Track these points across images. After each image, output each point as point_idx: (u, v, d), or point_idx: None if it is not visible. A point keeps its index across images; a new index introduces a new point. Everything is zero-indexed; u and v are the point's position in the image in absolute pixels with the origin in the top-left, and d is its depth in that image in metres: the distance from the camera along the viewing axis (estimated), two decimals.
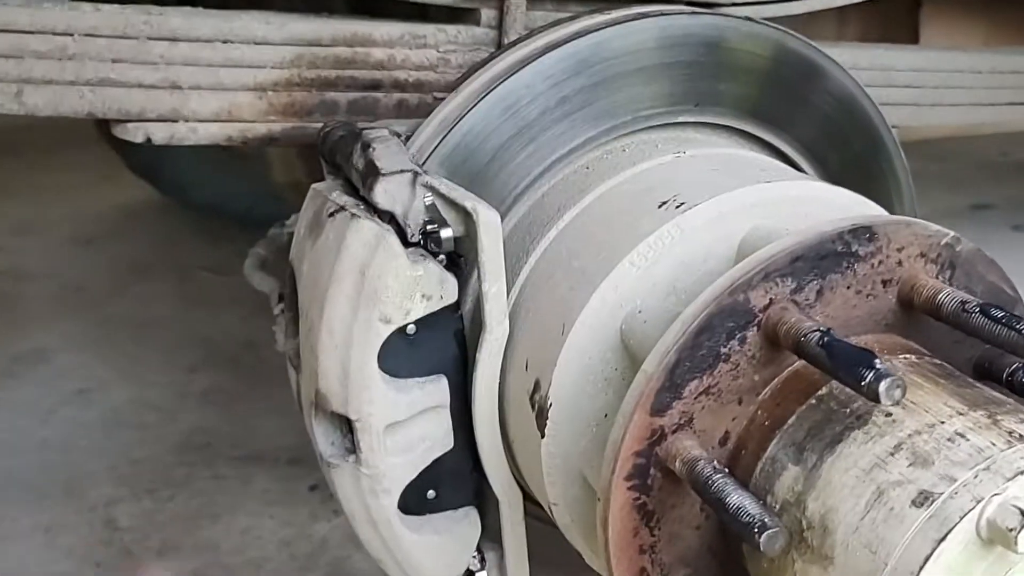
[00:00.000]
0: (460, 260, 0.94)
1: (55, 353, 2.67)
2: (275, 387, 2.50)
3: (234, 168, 3.48)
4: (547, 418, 0.89)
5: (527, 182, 1.02)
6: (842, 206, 0.90)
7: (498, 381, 0.97)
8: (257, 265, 1.59)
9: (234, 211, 3.52)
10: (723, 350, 0.77)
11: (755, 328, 0.78)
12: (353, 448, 0.99)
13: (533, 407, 0.92)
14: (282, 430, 2.31)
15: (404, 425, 0.97)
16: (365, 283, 0.91)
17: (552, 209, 0.99)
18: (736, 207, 0.88)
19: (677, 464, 0.77)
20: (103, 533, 1.94)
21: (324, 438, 1.01)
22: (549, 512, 1.04)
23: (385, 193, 0.91)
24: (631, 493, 0.79)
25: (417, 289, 0.92)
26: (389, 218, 0.93)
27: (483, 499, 1.06)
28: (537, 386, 0.91)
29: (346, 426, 1.01)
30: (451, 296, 0.95)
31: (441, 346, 0.98)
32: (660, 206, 0.90)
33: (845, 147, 1.17)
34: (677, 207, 0.88)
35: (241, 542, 1.97)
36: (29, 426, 2.32)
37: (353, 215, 0.93)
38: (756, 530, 0.69)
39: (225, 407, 2.41)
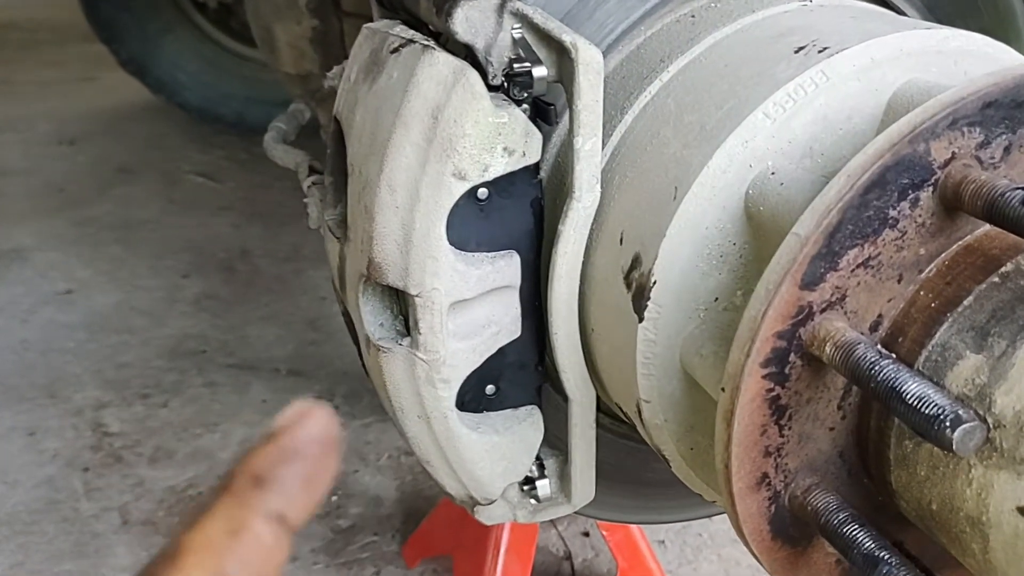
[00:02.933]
0: (550, 110, 0.79)
1: (34, 253, 2.49)
2: (272, 296, 2.35)
3: (228, 68, 3.27)
4: (648, 298, 0.76)
5: (620, 31, 0.87)
6: (1007, 66, 0.76)
7: (582, 259, 0.83)
8: (278, 140, 1.43)
9: (225, 115, 3.32)
10: (891, 213, 0.64)
11: (930, 188, 0.64)
12: (407, 330, 0.85)
13: (629, 287, 0.78)
14: (280, 340, 2.16)
15: (470, 305, 0.83)
16: (438, 129, 0.76)
17: (652, 61, 0.84)
18: (890, 54, 0.74)
19: (827, 349, 0.64)
20: (91, 438, 1.80)
21: (372, 318, 0.86)
22: (623, 415, 0.91)
23: (466, 21, 0.76)
24: (765, 383, 0.66)
25: (499, 140, 0.77)
26: (466, 54, 0.78)
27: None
28: (636, 262, 0.77)
29: (398, 305, 0.87)
30: (534, 154, 0.80)
31: (516, 216, 0.83)
32: (798, 51, 0.75)
33: (973, 17, 1.02)
34: (820, 51, 0.74)
35: (239, 452, 1.83)
36: (8, 326, 2.16)
37: (425, 47, 0.77)
38: (947, 425, 0.56)
39: (218, 314, 2.25)
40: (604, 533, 1.60)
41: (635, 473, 1.05)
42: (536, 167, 0.83)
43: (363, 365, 0.98)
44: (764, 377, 0.66)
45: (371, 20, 0.94)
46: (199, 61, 3.24)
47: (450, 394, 0.85)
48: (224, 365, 2.06)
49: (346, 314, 0.99)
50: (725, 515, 0.75)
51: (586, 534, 1.77)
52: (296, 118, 1.48)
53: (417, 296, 0.81)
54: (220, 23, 3.28)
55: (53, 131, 3.34)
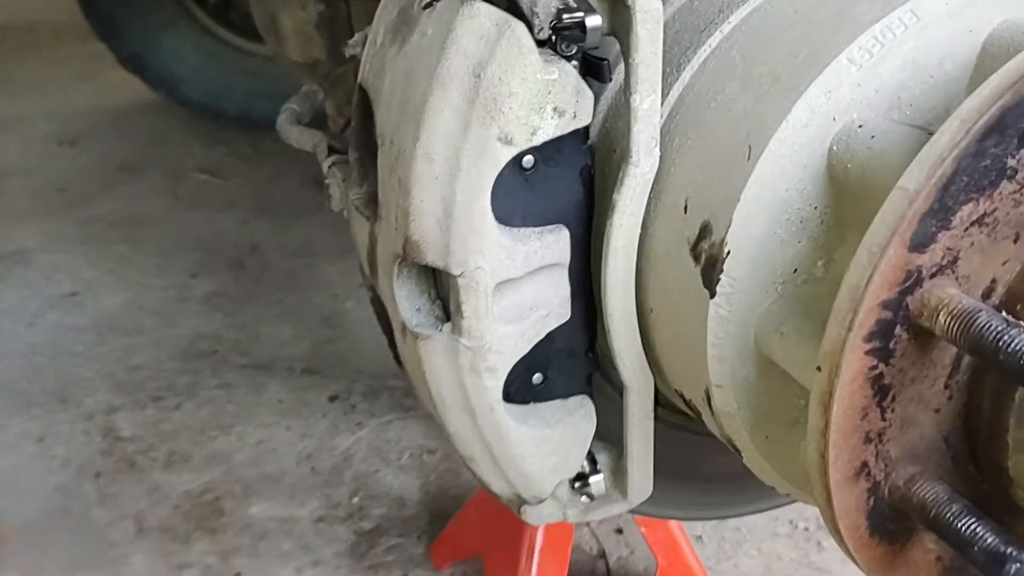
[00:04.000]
0: (603, 65, 0.71)
1: (38, 254, 2.42)
2: (284, 292, 2.27)
3: (230, 62, 3.20)
4: (721, 271, 0.68)
5: None
6: None
7: (639, 231, 0.75)
8: (292, 121, 1.35)
9: (229, 110, 3.24)
10: (1010, 162, 0.56)
11: None
12: (447, 315, 0.78)
13: (697, 259, 0.70)
14: (295, 338, 2.09)
15: (517, 285, 0.75)
16: (480, 89, 0.68)
17: (709, 12, 0.76)
18: None
19: (941, 319, 0.56)
20: (102, 443, 1.73)
21: (408, 303, 0.79)
22: (684, 404, 0.83)
23: None
24: (867, 360, 0.58)
25: (549, 100, 0.69)
26: (508, 4, 0.70)
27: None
28: (705, 231, 0.69)
29: (437, 288, 0.79)
30: (585, 116, 0.72)
31: (564, 186, 0.76)
32: None
33: None
34: None
35: (256, 454, 1.76)
36: (14, 330, 2.08)
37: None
38: None
39: (230, 313, 2.18)
40: (642, 530, 1.52)
41: (692, 466, 0.98)
42: (586, 131, 0.75)
43: (395, 357, 0.91)
44: (867, 353, 0.58)
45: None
46: (200, 56, 3.16)
47: (496, 384, 0.78)
48: (238, 365, 1.98)
49: (376, 301, 0.91)
50: None
51: (619, 531, 1.69)
52: (310, 99, 1.41)
53: (460, 276, 0.73)
54: (220, 17, 3.19)
55: (53, 131, 3.27)
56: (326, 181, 0.99)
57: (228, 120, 3.26)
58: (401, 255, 0.76)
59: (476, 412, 0.79)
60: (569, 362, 0.83)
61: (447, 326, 0.77)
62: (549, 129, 0.71)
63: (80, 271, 2.34)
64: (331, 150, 1.07)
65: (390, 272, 0.79)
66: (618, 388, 0.84)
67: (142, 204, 2.72)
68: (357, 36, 1.02)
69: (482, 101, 0.69)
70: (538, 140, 0.71)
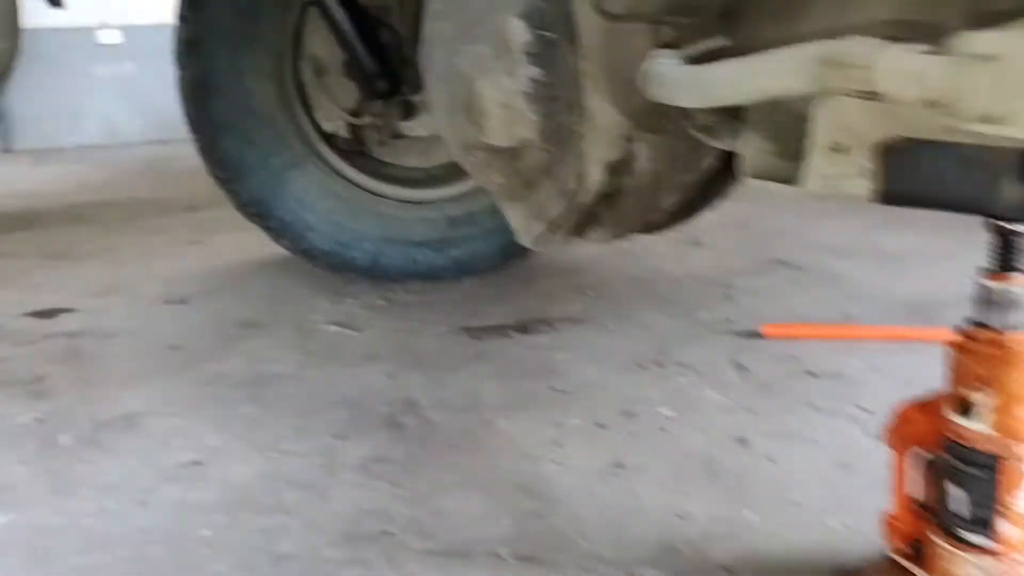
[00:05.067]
0: None
1: (149, 418, 1.96)
2: (460, 455, 1.76)
3: (361, 206, 2.85)
4: None
5: None
6: None
7: None
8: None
9: (357, 259, 2.87)
10: None
11: None
12: None
13: None
14: (490, 513, 1.55)
15: None
16: None
17: None
18: None
19: None
20: None
21: None
22: None
23: None
24: None
25: None
26: None
27: None
28: None
29: None
30: None
31: None
32: None
33: None
34: None
35: None
36: (122, 511, 1.59)
37: None
38: None
39: (397, 483, 1.66)
40: None
41: None
42: None
43: None
44: None
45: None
46: (329, 199, 2.83)
47: None
48: (422, 551, 1.44)
49: None
50: None
51: None
52: None
53: None
54: (351, 156, 2.89)
55: (161, 292, 2.92)
56: None
57: (356, 271, 2.89)
58: None
59: None
60: None
61: None
62: None
63: (201, 436, 1.87)
64: None
65: None
66: None
67: (268, 361, 2.29)
68: None
69: None
70: None
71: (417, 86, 2.45)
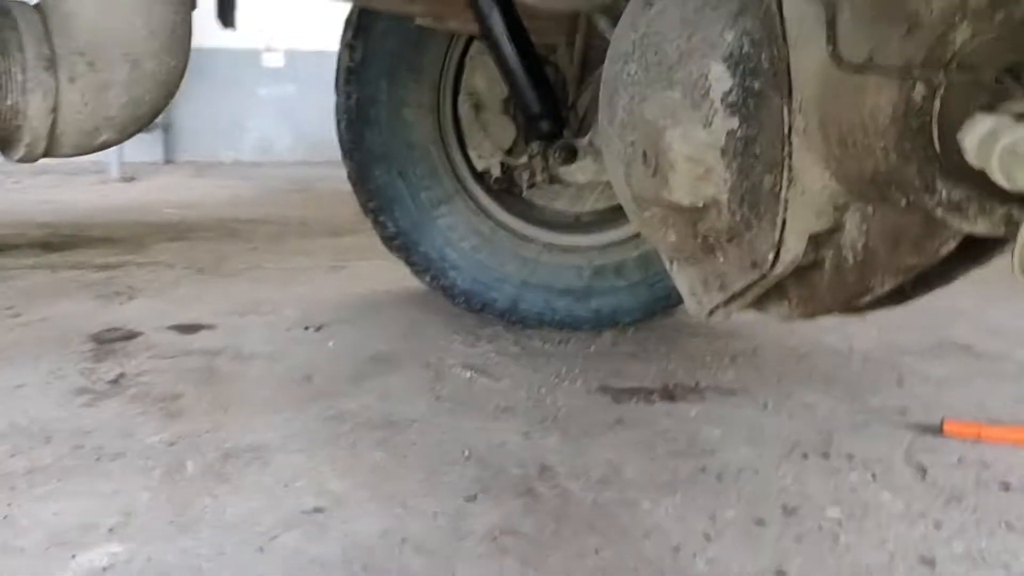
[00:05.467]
0: None
1: (277, 453, 1.89)
2: (598, 536, 1.59)
3: (506, 247, 2.74)
4: None
5: None
6: None
7: None
8: None
9: (497, 301, 2.76)
10: None
11: None
12: None
13: None
14: None
15: None
16: None
17: None
18: None
19: None
20: None
21: None
22: None
23: None
24: None
25: None
26: None
27: None
28: None
29: None
30: None
31: None
32: None
33: None
34: None
35: None
36: (240, 555, 1.50)
37: None
38: None
39: (527, 561, 1.51)
40: None
41: None
42: None
43: None
44: None
45: None
46: (474, 238, 2.74)
47: None
48: None
49: None
50: None
51: None
52: None
53: None
54: (500, 195, 2.79)
55: (300, 316, 2.90)
56: None
57: (494, 313, 2.78)
58: None
59: None
60: None
61: None
62: None
63: (326, 480, 1.78)
64: None
65: None
66: None
67: (399, 402, 2.19)
68: None
69: None
70: None
71: (581, 129, 2.33)
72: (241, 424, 2.02)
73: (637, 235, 2.64)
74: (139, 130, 1.67)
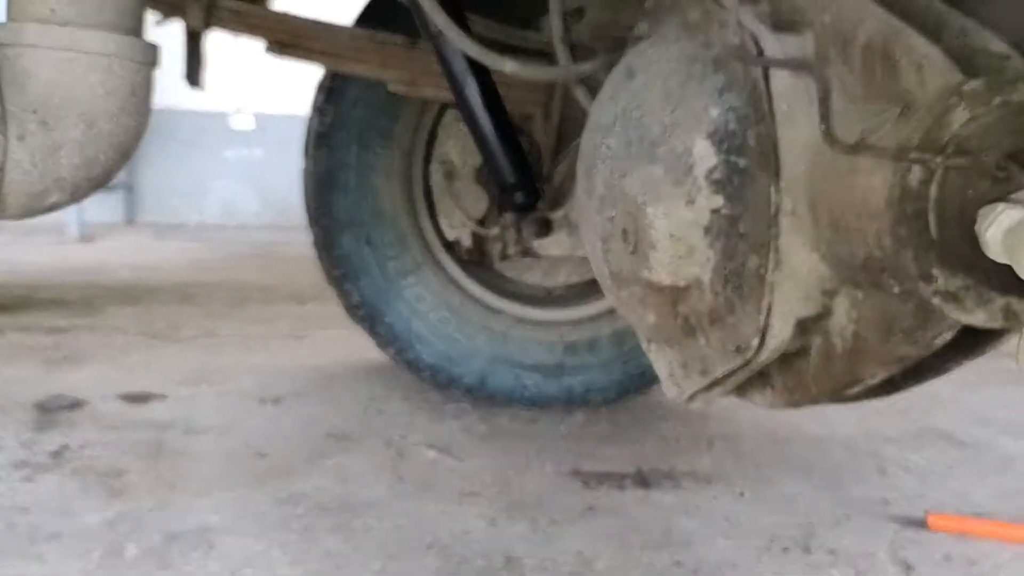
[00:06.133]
0: None
1: (225, 536, 1.75)
2: None
3: (474, 321, 2.66)
4: None
5: None
6: None
7: None
8: None
9: (464, 377, 2.67)
10: None
11: None
12: None
13: None
14: None
15: None
16: None
17: None
18: None
19: None
20: None
21: None
22: None
23: None
24: None
25: None
26: None
27: None
28: None
29: None
30: None
31: None
32: None
33: None
34: None
35: None
36: None
37: None
38: None
39: None
40: None
41: None
42: None
43: None
44: None
45: None
46: (442, 310, 2.65)
47: None
48: None
49: None
50: None
51: None
52: None
53: None
54: (469, 266, 2.72)
55: (256, 387, 2.77)
56: None
57: (461, 389, 2.68)
58: None
59: None
60: None
61: None
62: None
63: (276, 567, 1.64)
64: None
65: None
66: None
67: (357, 483, 2.07)
68: None
69: None
70: None
71: (556, 202, 2.27)
72: (188, 503, 1.89)
73: (611, 311, 2.57)
74: (91, 192, 1.57)
